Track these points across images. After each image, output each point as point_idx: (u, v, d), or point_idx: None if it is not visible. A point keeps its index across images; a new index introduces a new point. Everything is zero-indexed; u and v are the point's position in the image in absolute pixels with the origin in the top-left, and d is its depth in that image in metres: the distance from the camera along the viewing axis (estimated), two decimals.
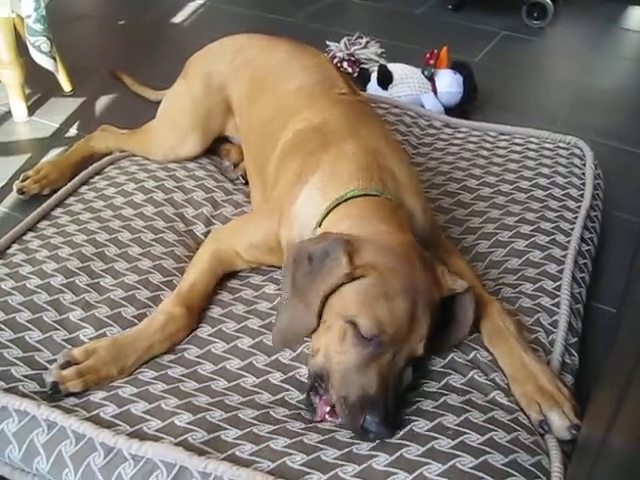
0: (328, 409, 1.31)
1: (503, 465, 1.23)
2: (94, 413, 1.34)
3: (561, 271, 1.71)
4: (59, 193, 1.98)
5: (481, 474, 1.20)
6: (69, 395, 1.38)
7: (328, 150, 1.57)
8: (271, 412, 1.36)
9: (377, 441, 1.27)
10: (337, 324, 1.31)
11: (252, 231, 1.65)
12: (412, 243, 1.38)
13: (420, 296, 1.30)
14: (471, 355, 1.47)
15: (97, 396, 1.38)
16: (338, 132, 1.62)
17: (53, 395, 1.37)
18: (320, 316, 1.33)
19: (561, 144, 2.29)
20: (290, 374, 1.45)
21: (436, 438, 1.27)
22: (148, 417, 1.34)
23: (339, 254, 1.29)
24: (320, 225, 1.47)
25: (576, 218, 1.91)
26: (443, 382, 1.40)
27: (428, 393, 1.38)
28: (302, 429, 1.31)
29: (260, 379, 1.44)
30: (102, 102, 2.78)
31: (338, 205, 1.46)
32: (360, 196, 1.46)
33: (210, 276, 1.63)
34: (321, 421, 1.33)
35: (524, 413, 1.35)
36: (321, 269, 1.31)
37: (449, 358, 1.46)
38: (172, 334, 1.50)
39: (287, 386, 1.43)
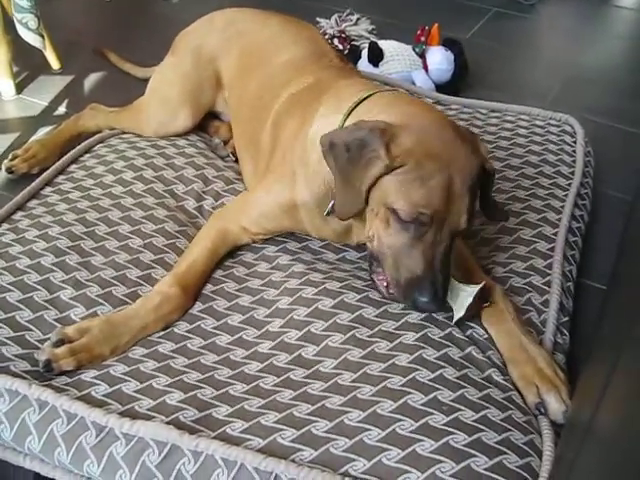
0: (386, 284, 1.43)
1: (496, 443, 1.23)
2: (85, 392, 1.34)
3: (552, 249, 1.71)
4: (48, 172, 1.96)
5: (474, 451, 1.21)
6: (62, 373, 1.38)
7: (326, 92, 1.60)
8: (260, 383, 1.36)
9: (368, 415, 1.27)
10: (381, 210, 1.38)
11: (263, 200, 1.65)
12: (444, 118, 1.41)
13: (458, 172, 1.34)
14: (468, 332, 1.48)
15: (88, 375, 1.38)
16: (330, 81, 1.66)
17: (46, 373, 1.37)
18: (367, 200, 1.40)
19: (552, 121, 2.28)
20: (278, 340, 1.46)
21: (431, 413, 1.27)
22: (139, 396, 1.34)
23: (376, 146, 1.34)
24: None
25: (566, 196, 1.91)
26: (442, 352, 1.40)
27: (426, 362, 1.38)
28: (292, 399, 1.32)
29: (250, 351, 1.45)
30: (91, 79, 2.75)
31: (357, 106, 1.48)
32: (375, 93, 1.50)
33: (211, 256, 1.63)
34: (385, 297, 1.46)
35: (520, 394, 1.36)
36: (360, 160, 1.37)
37: (447, 331, 1.46)
38: (166, 315, 1.50)
39: (276, 352, 1.43)
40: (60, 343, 1.39)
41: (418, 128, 1.36)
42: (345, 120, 1.48)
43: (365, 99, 1.49)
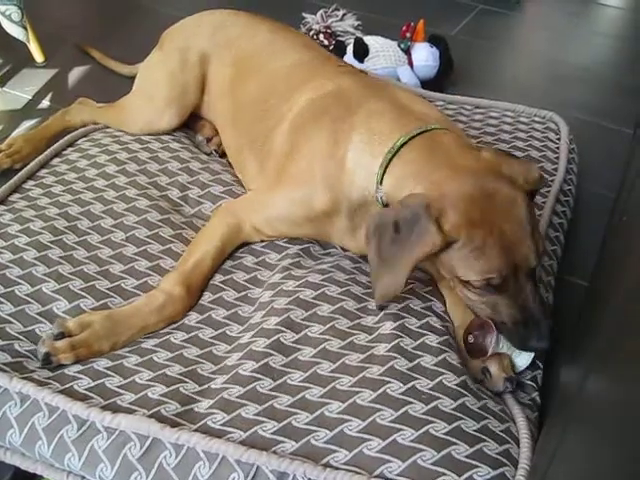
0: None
1: (475, 431, 1.24)
2: (68, 386, 1.34)
3: None
4: (30, 165, 1.95)
5: (454, 439, 1.22)
6: (59, 367, 1.38)
7: (356, 112, 1.56)
8: (240, 370, 1.36)
9: (348, 405, 1.28)
10: (454, 280, 1.39)
11: (281, 204, 1.62)
12: (475, 169, 1.37)
13: (509, 222, 1.31)
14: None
15: (71, 369, 1.37)
16: (358, 95, 1.62)
17: (44, 366, 1.37)
18: (406, 282, 1.38)
19: (536, 118, 2.29)
20: (257, 329, 1.46)
21: (410, 402, 1.28)
22: (122, 391, 1.33)
23: (427, 223, 1.31)
24: (381, 183, 1.46)
25: (549, 191, 1.92)
26: (419, 342, 1.41)
27: (403, 350, 1.38)
28: (271, 390, 1.32)
29: (232, 345, 1.45)
30: (75, 73, 2.74)
31: (392, 158, 1.45)
32: (409, 140, 1.46)
33: (220, 254, 1.62)
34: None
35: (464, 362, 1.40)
36: (409, 237, 1.33)
37: (424, 321, 1.46)
38: (168, 316, 1.49)
39: (256, 339, 1.43)
40: (61, 336, 1.39)
41: (459, 196, 1.32)
42: (383, 174, 1.45)
43: (399, 149, 1.45)
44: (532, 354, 1.39)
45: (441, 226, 1.31)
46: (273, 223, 1.65)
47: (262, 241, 1.70)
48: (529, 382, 1.42)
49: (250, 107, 1.88)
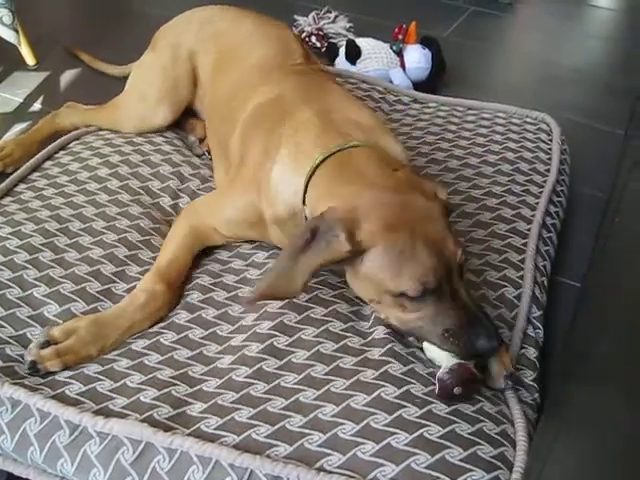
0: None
1: (469, 434, 1.24)
2: (59, 391, 1.33)
3: (525, 244, 1.72)
4: (22, 169, 1.94)
5: (448, 443, 1.21)
6: (49, 373, 1.37)
7: (285, 124, 1.56)
8: (233, 375, 1.36)
9: (342, 409, 1.28)
10: (386, 299, 1.34)
11: (229, 207, 1.64)
12: (388, 184, 1.37)
13: (429, 223, 1.32)
14: None
15: (62, 374, 1.37)
16: (292, 102, 1.62)
17: (32, 374, 1.37)
18: (304, 287, 1.36)
19: (528, 119, 2.30)
20: (250, 332, 1.45)
21: (404, 406, 1.27)
22: (113, 395, 1.33)
23: (337, 232, 1.31)
24: (304, 203, 1.47)
25: (542, 192, 1.92)
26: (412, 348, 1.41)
27: (397, 354, 1.38)
28: (264, 393, 1.32)
29: (223, 346, 1.44)
30: (67, 76, 2.73)
31: (312, 176, 1.46)
32: (326, 158, 1.46)
33: (187, 252, 1.62)
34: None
35: None
36: (318, 245, 1.33)
37: None
38: (153, 312, 1.50)
39: (249, 343, 1.43)
40: (46, 344, 1.38)
41: (370, 206, 1.33)
42: (304, 193, 1.46)
43: (317, 167, 1.45)
44: None
45: (354, 236, 1.31)
46: (225, 225, 1.66)
47: (247, 243, 1.71)
48: (531, 383, 1.42)
49: (220, 106, 1.89)
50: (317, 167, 1.45)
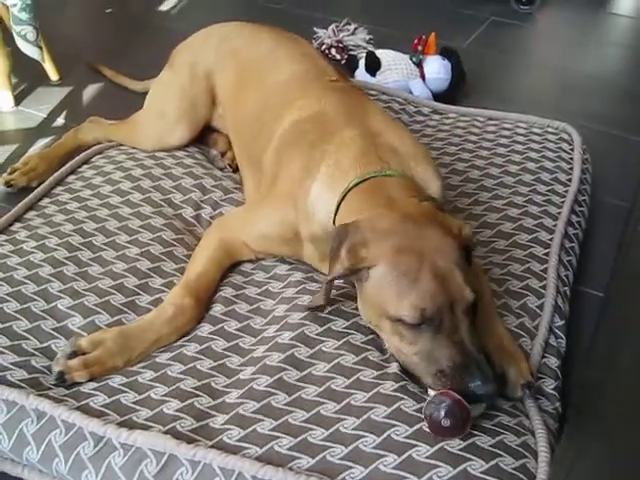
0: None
1: (490, 446, 1.23)
2: (84, 403, 1.34)
3: (547, 254, 1.72)
4: (46, 183, 1.97)
5: (469, 455, 1.21)
6: (74, 385, 1.38)
7: (329, 141, 1.56)
8: (254, 385, 1.37)
9: (363, 421, 1.27)
10: (386, 324, 1.33)
11: (263, 223, 1.64)
12: (410, 212, 1.37)
13: (437, 254, 1.30)
14: None
15: (87, 386, 1.38)
16: (335, 120, 1.62)
17: (59, 384, 1.38)
18: (326, 299, 1.42)
19: (549, 129, 2.29)
20: (271, 343, 1.46)
21: (422, 420, 1.26)
22: (137, 407, 1.34)
23: (342, 246, 1.33)
24: (334, 222, 1.48)
25: (563, 202, 1.91)
26: None
27: (391, 375, 1.37)
28: (285, 405, 1.32)
29: (245, 358, 1.45)
30: (89, 91, 2.76)
31: (344, 198, 1.47)
32: (360, 183, 1.46)
33: (217, 266, 1.63)
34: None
35: None
36: (331, 258, 1.37)
37: None
38: (180, 327, 1.50)
39: (270, 353, 1.43)
40: (74, 355, 1.40)
41: (387, 229, 1.33)
42: (336, 212, 1.48)
43: (350, 190, 1.47)
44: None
45: (357, 252, 1.32)
46: (257, 240, 1.66)
47: (270, 257, 1.71)
48: (552, 392, 1.41)
49: (248, 122, 1.89)
50: (350, 190, 1.46)
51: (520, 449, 1.24)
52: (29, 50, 2.54)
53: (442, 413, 1.21)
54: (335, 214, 1.48)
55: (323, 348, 1.43)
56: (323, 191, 1.51)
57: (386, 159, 1.51)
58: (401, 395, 1.32)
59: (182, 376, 1.40)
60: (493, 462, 1.21)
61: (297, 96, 1.75)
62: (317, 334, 1.47)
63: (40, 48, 2.57)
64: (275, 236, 1.63)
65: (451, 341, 1.27)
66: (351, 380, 1.36)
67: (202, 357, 1.45)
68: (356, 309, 1.51)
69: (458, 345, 1.26)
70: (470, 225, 1.40)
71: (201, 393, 1.36)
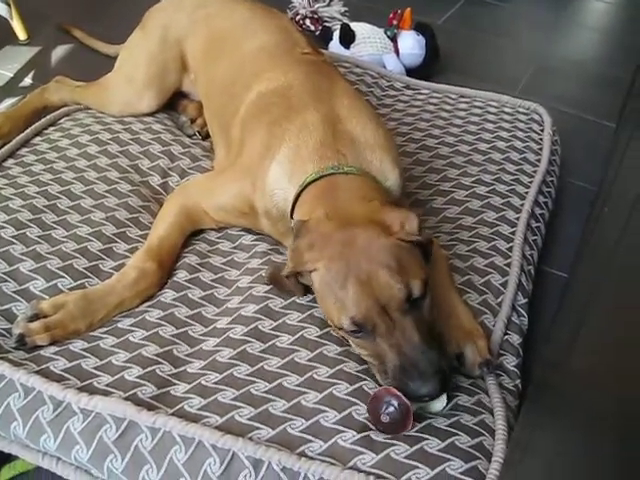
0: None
1: (447, 426, 1.25)
2: (44, 367, 1.33)
3: (514, 232, 1.73)
4: (11, 144, 1.93)
5: (426, 435, 1.23)
6: (34, 348, 1.37)
7: (291, 120, 1.55)
8: (217, 357, 1.36)
9: (324, 396, 1.28)
10: (337, 333, 1.38)
11: (221, 194, 1.63)
12: (351, 216, 1.35)
13: (364, 258, 1.27)
14: None
15: (47, 350, 1.37)
16: (300, 98, 1.60)
17: (19, 347, 1.36)
18: (295, 293, 1.48)
19: (520, 109, 2.30)
20: (235, 315, 1.46)
21: None
22: (98, 372, 1.33)
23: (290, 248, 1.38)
24: (291, 215, 1.48)
25: (532, 182, 1.92)
26: None
27: (353, 354, 1.38)
28: (248, 375, 1.32)
29: (208, 328, 1.45)
30: (58, 52, 2.71)
31: (301, 193, 1.46)
32: (317, 179, 1.45)
33: (179, 231, 1.62)
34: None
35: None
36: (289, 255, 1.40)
37: None
38: (143, 290, 1.49)
39: (234, 325, 1.43)
40: (35, 317, 1.38)
41: (325, 235, 1.33)
42: (294, 204, 1.47)
43: (306, 187, 1.46)
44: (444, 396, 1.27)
45: (301, 254, 1.34)
46: (217, 210, 1.66)
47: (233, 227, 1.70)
48: (513, 369, 1.42)
49: (219, 90, 1.87)
50: (307, 185, 1.46)
51: (477, 427, 1.26)
52: None
53: (382, 409, 1.23)
54: (292, 206, 1.47)
55: (287, 321, 1.44)
56: (281, 177, 1.50)
57: (344, 151, 1.49)
58: (363, 376, 1.33)
59: (144, 342, 1.39)
60: (449, 440, 1.22)
61: (266, 67, 1.74)
62: (281, 307, 1.47)
63: (8, 5, 2.52)
64: (232, 208, 1.63)
65: (388, 344, 1.25)
66: (314, 353, 1.37)
67: (165, 324, 1.44)
68: None
69: (395, 348, 1.25)
70: (417, 216, 1.35)
71: (163, 360, 1.36)
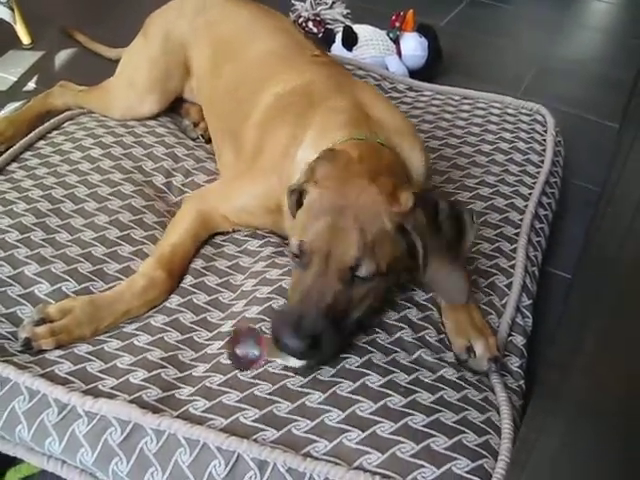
0: None
1: (454, 422, 1.25)
2: (48, 370, 1.33)
3: (517, 234, 1.73)
4: (15, 147, 1.93)
5: (433, 432, 1.22)
6: (40, 352, 1.37)
7: (316, 109, 1.55)
8: (221, 359, 1.36)
9: (328, 396, 1.28)
10: (288, 254, 1.43)
11: (245, 194, 1.63)
12: (360, 178, 1.33)
13: (350, 210, 1.28)
14: (425, 313, 1.49)
15: (52, 354, 1.37)
16: (323, 91, 1.61)
17: (24, 351, 1.36)
18: None
19: (523, 110, 2.30)
20: (239, 318, 1.45)
21: (388, 395, 1.28)
22: (103, 376, 1.33)
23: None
24: None
25: (535, 183, 1.93)
26: (395, 337, 1.42)
27: (380, 346, 1.39)
28: (252, 377, 1.32)
29: (213, 332, 1.44)
30: (62, 56, 2.72)
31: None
32: (344, 142, 1.45)
33: (193, 238, 1.62)
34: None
35: (448, 341, 1.42)
36: None
37: (403, 314, 1.47)
38: (151, 300, 1.49)
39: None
40: (41, 322, 1.38)
41: (333, 165, 1.35)
42: None
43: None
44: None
45: (312, 172, 1.36)
46: (238, 213, 1.65)
47: (241, 230, 1.70)
48: (517, 369, 1.43)
49: (225, 94, 1.87)
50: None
51: (484, 426, 1.26)
52: (0, 11, 2.49)
53: (240, 342, 1.31)
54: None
55: None
56: (307, 152, 1.49)
57: (375, 131, 1.48)
58: (366, 371, 1.32)
59: (149, 347, 1.39)
60: (456, 438, 1.22)
61: (279, 70, 1.74)
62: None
63: (12, 10, 2.53)
64: (258, 208, 1.62)
65: (305, 286, 1.28)
66: None
67: (170, 329, 1.44)
68: None
69: (304, 293, 1.27)
70: (412, 197, 1.32)
71: (167, 365, 1.36)
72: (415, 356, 1.38)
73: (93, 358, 1.36)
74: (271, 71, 1.75)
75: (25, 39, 2.74)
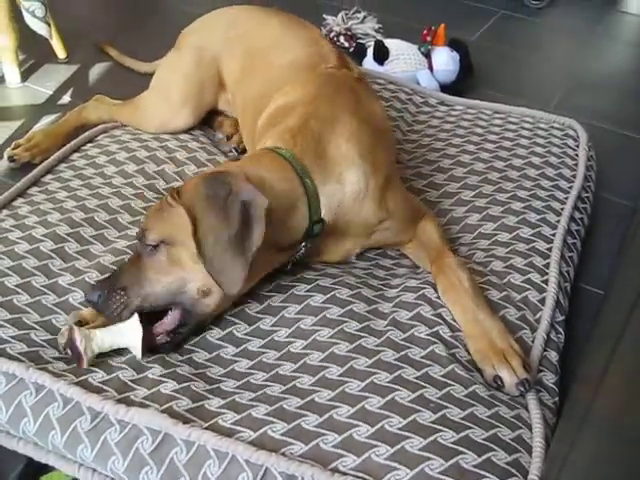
0: None
1: (484, 440, 1.23)
2: (82, 378, 1.34)
3: (550, 249, 1.72)
4: (50, 160, 1.97)
5: (462, 449, 1.21)
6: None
7: (276, 127, 1.58)
8: (251, 379, 1.37)
9: (357, 410, 1.27)
10: None
11: None
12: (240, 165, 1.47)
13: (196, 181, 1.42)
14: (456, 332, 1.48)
15: None
16: (298, 109, 1.60)
17: (65, 355, 1.39)
18: None
19: (555, 125, 2.28)
20: (269, 338, 1.46)
21: (418, 411, 1.27)
22: (135, 386, 1.34)
23: None
24: None
25: (567, 198, 1.91)
26: (428, 350, 1.41)
27: (411, 360, 1.38)
28: (281, 392, 1.32)
29: (239, 348, 1.45)
30: (96, 70, 2.76)
31: None
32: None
33: None
34: None
35: (479, 370, 1.38)
36: None
37: (434, 330, 1.45)
38: None
39: (265, 350, 1.44)
40: (78, 325, 1.40)
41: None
42: None
43: None
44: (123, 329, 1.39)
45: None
46: None
47: None
48: (552, 386, 1.41)
49: (252, 106, 1.88)
50: None
51: (514, 444, 1.24)
52: (37, 26, 2.55)
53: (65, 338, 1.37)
54: None
55: (317, 338, 1.43)
56: None
57: (303, 147, 1.52)
58: (395, 386, 1.32)
59: (179, 363, 1.41)
60: (486, 456, 1.21)
61: (287, 81, 1.74)
62: (312, 325, 1.47)
63: (48, 25, 2.57)
64: None
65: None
66: (345, 369, 1.36)
67: (197, 349, 1.45)
68: (351, 297, 1.51)
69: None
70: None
71: (197, 379, 1.37)
72: (447, 370, 1.36)
73: (125, 367, 1.38)
74: (282, 82, 1.75)
75: (61, 53, 2.79)
